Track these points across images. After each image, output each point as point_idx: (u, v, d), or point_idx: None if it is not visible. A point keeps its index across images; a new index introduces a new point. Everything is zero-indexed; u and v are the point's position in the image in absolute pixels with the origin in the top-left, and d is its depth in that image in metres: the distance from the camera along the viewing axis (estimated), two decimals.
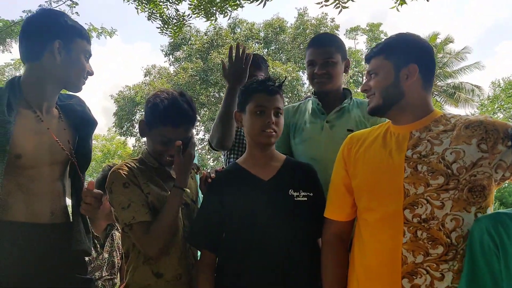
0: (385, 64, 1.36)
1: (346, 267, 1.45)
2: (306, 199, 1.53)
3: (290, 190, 1.52)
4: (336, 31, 18.88)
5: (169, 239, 1.50)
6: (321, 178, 1.64)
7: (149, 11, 4.24)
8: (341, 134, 1.89)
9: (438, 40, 20.24)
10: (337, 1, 3.06)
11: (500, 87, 19.98)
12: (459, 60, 20.38)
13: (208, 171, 1.73)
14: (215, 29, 17.47)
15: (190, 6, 4.05)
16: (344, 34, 24.46)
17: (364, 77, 1.51)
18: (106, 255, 2.46)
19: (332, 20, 18.96)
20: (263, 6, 3.46)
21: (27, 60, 1.52)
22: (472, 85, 19.91)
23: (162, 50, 19.15)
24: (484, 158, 1.20)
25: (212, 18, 4.06)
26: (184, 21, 4.35)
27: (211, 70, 16.36)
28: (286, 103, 1.71)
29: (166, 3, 4.18)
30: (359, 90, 18.01)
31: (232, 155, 2.36)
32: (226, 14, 4.00)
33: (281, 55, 18.41)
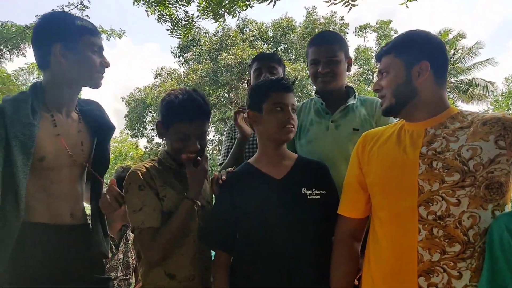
0: (395, 62, 1.35)
1: (356, 265, 1.45)
2: (319, 197, 1.53)
3: (303, 188, 1.52)
4: (345, 29, 18.79)
5: (171, 248, 1.51)
6: None
7: (159, 13, 4.27)
8: (346, 133, 1.89)
9: (450, 36, 19.97)
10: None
11: None
12: (471, 55, 20.07)
13: (219, 172, 1.75)
14: (224, 30, 17.52)
15: (199, 8, 4.06)
16: (353, 32, 24.36)
17: (375, 76, 1.50)
18: (121, 256, 2.49)
19: (341, 18, 18.87)
20: (273, 6, 3.46)
21: (40, 68, 1.56)
22: (485, 81, 19.59)
23: (172, 52, 19.29)
24: (502, 154, 1.17)
25: (221, 19, 4.07)
26: (193, 22, 4.36)
27: (221, 71, 16.41)
28: (296, 102, 1.73)
29: (175, 5, 4.21)
30: (369, 89, 17.90)
31: (246, 156, 2.36)
32: (234, 15, 4.00)
33: (290, 54, 18.37)
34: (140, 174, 1.52)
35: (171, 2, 4.17)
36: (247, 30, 19.20)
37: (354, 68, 21.48)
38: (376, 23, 23.17)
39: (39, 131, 1.42)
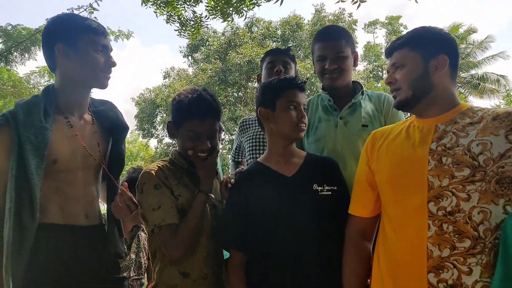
0: (412, 56, 1.33)
1: (367, 265, 1.44)
2: (330, 193, 1.53)
3: (314, 185, 1.53)
4: (354, 26, 18.67)
5: (192, 242, 1.52)
6: None
7: (167, 13, 4.30)
8: (356, 130, 1.88)
9: (461, 30, 19.72)
10: None
11: None
12: (482, 49, 19.80)
13: (229, 175, 1.75)
14: (232, 29, 17.55)
15: (207, 8, 4.08)
16: (362, 29, 24.17)
17: (385, 73, 1.48)
18: (133, 256, 2.51)
19: (350, 15, 18.76)
20: (280, 4, 3.46)
21: (51, 70, 1.58)
22: (497, 75, 19.30)
23: (180, 52, 19.39)
24: None
25: (229, 18, 4.08)
26: (202, 22, 4.38)
27: (230, 71, 16.44)
28: (306, 99, 1.73)
29: (183, 6, 4.23)
30: (379, 85, 17.76)
31: (255, 155, 2.37)
32: (242, 14, 4.01)
33: (299, 52, 18.31)
34: (154, 173, 1.53)
35: (179, 3, 4.20)
36: (256, 29, 19.19)
37: (363, 64, 21.35)
38: (385, 19, 22.97)
39: (52, 134, 1.43)
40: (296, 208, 1.49)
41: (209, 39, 18.41)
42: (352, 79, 2.05)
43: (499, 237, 1.14)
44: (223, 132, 3.35)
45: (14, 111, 1.44)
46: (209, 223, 1.60)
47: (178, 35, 4.49)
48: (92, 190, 1.61)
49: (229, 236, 1.56)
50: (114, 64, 1.58)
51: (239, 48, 16.66)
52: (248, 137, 2.49)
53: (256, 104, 1.68)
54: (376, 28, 23.60)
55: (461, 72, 19.50)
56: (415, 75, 1.32)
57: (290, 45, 18.29)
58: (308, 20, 19.23)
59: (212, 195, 1.59)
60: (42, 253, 1.41)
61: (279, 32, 18.96)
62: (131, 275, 2.48)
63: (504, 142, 1.17)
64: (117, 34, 6.87)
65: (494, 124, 1.21)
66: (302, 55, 18.14)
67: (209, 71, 16.79)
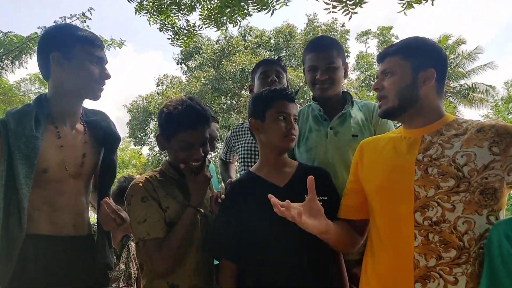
0: (402, 65, 1.34)
1: (346, 234, 1.45)
2: (321, 203, 1.54)
3: (305, 195, 1.53)
4: (346, 36, 18.86)
5: (179, 256, 1.51)
6: None
7: (161, 22, 4.31)
8: (346, 140, 1.90)
9: (450, 42, 20.04)
10: (345, 7, 3.06)
11: None
12: (471, 60, 20.13)
13: (219, 190, 1.76)
14: (226, 37, 17.62)
15: (200, 17, 4.10)
16: (354, 38, 24.42)
17: (375, 77, 1.49)
18: (122, 266, 2.49)
19: (343, 25, 18.95)
20: (271, 15, 3.49)
21: (45, 79, 1.58)
22: (485, 85, 19.61)
23: (174, 59, 19.40)
24: (496, 161, 1.19)
25: (223, 27, 4.10)
26: (195, 31, 4.40)
27: (223, 79, 16.48)
28: (298, 108, 1.74)
29: (177, 14, 4.24)
30: (371, 94, 17.90)
31: (248, 164, 2.38)
32: (236, 24, 4.04)
33: (292, 61, 18.43)
34: (142, 186, 1.53)
35: (173, 12, 4.21)
36: (249, 37, 19.30)
37: (355, 74, 21.55)
38: (377, 29, 23.25)
39: (42, 143, 1.43)
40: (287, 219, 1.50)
41: (203, 47, 18.47)
42: (344, 89, 2.08)
43: (483, 247, 1.16)
44: (219, 141, 3.35)
45: (5, 120, 1.43)
46: (199, 234, 1.59)
47: (171, 43, 4.50)
48: (82, 200, 1.60)
49: (221, 246, 1.56)
50: (108, 77, 1.58)
51: (233, 56, 16.73)
52: (240, 145, 2.50)
53: (248, 115, 1.70)
54: (368, 38, 23.86)
55: (451, 82, 19.78)
56: (403, 84, 1.33)
57: (283, 54, 18.42)
58: (301, 30, 19.41)
59: (202, 210, 1.58)
60: (31, 262, 1.39)
61: (272, 41, 19.08)
62: (120, 286, 2.46)
63: (488, 153, 1.20)
64: (110, 42, 6.87)
65: (478, 136, 1.23)
66: (295, 64, 18.26)
67: (203, 79, 16.81)
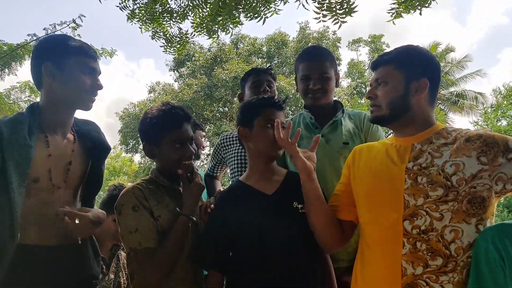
0: (396, 75, 1.35)
1: (331, 215, 1.46)
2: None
3: (294, 203, 1.54)
4: (338, 44, 19.01)
5: (171, 266, 1.49)
6: None
7: (153, 30, 4.32)
8: (337, 148, 1.92)
9: (439, 50, 20.33)
10: (335, 17, 3.10)
11: (501, 94, 19.99)
12: (460, 68, 20.44)
13: (209, 200, 1.75)
14: (219, 45, 17.67)
15: (192, 25, 4.11)
16: (346, 46, 24.64)
17: (368, 85, 1.50)
18: (112, 276, 2.45)
19: (334, 33, 19.11)
20: (263, 23, 3.53)
21: (37, 88, 1.58)
22: (475, 92, 19.89)
23: (167, 65, 19.38)
24: (484, 170, 1.20)
25: (214, 35, 4.12)
26: (187, 39, 4.41)
27: (215, 86, 16.50)
28: (291, 116, 1.75)
29: (169, 22, 4.25)
30: (363, 102, 18.04)
31: (239, 173, 2.38)
32: (228, 32, 4.06)
33: (284, 68, 18.52)
34: (133, 194, 1.51)
35: (165, 19, 4.22)
36: (241, 45, 19.38)
37: (347, 81, 21.70)
38: (369, 37, 23.49)
39: (35, 152, 1.42)
40: (276, 226, 1.50)
41: (195, 54, 18.49)
42: (336, 96, 2.10)
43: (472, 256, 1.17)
44: (204, 149, 3.33)
45: None
46: (189, 242, 1.58)
47: (163, 51, 4.51)
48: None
49: (209, 257, 1.56)
50: (100, 87, 1.58)
51: (225, 64, 16.77)
52: (231, 155, 2.49)
53: (236, 123, 1.71)
54: (360, 46, 24.07)
55: (441, 89, 20.01)
56: (395, 94, 1.35)
57: (275, 61, 18.52)
58: (293, 37, 19.54)
59: (194, 218, 1.57)
60: (19, 272, 1.38)
61: (264, 48, 19.18)
62: None
63: (476, 163, 1.21)
64: (101, 52, 6.86)
65: (467, 145, 1.25)
66: (287, 71, 18.36)
67: (195, 86, 16.81)
